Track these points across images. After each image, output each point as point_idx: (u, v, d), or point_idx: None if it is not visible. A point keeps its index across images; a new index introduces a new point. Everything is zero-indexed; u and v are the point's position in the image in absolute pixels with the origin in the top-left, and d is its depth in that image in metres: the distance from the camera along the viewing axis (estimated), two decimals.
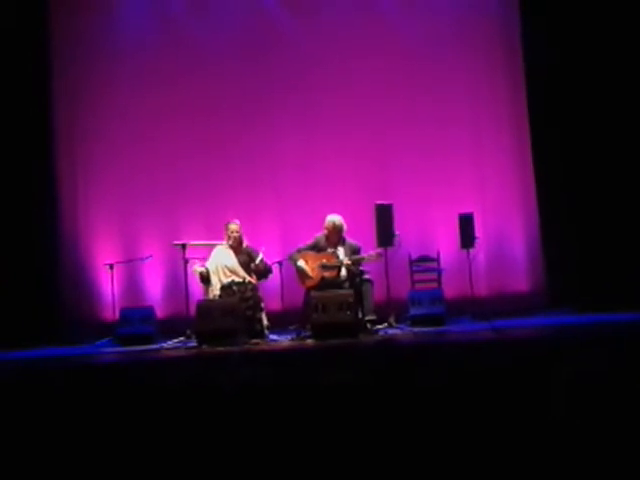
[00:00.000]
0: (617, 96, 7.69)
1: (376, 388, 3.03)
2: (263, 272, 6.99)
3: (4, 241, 8.20)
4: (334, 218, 6.97)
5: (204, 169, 8.49)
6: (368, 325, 6.68)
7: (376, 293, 6.92)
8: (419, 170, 8.37)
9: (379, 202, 7.18)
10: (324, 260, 6.88)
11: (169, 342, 6.94)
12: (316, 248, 6.97)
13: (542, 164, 8.05)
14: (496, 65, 8.47)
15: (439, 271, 7.78)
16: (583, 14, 7.79)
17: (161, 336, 7.28)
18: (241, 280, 6.87)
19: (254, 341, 6.54)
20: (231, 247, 7.04)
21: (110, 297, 8.02)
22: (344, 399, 2.87)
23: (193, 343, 6.68)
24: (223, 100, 8.57)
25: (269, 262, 7.12)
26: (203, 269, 6.93)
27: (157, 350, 6.79)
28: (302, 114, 8.53)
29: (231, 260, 6.97)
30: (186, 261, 7.15)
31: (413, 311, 7.13)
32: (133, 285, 8.44)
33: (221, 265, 6.94)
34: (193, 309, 6.77)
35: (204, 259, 7.11)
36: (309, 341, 6.50)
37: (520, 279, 8.23)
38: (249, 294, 6.76)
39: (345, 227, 6.99)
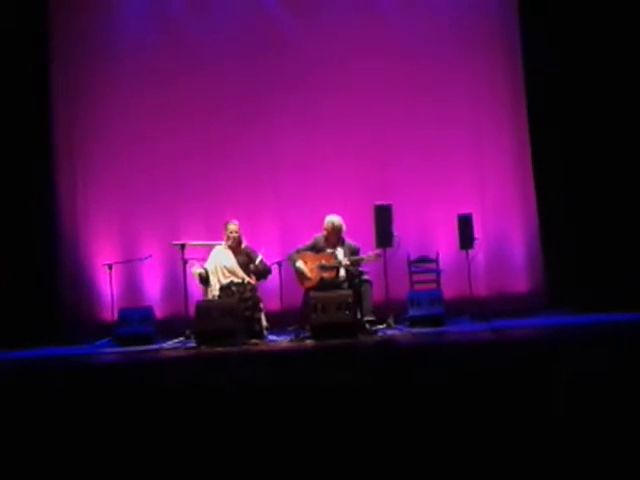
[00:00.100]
0: (617, 96, 7.70)
1: (375, 388, 3.03)
2: (262, 273, 7.00)
3: (3, 241, 8.19)
4: (333, 219, 6.98)
5: (204, 169, 8.49)
6: (367, 326, 6.69)
7: (375, 294, 6.93)
8: (418, 170, 8.36)
9: (378, 203, 7.18)
10: (323, 261, 6.88)
11: (168, 342, 6.94)
12: (315, 249, 6.97)
13: (541, 165, 8.05)
14: (496, 65, 8.46)
15: (438, 272, 7.78)
16: (583, 14, 7.79)
17: (160, 336, 7.27)
18: (240, 281, 6.87)
19: (253, 341, 6.55)
20: (230, 247, 7.04)
21: (109, 297, 8.01)
22: (343, 399, 2.87)
23: (192, 343, 6.69)
24: (223, 100, 8.56)
25: (268, 263, 7.13)
26: (202, 270, 6.93)
27: (156, 350, 6.80)
28: (302, 114, 8.52)
29: (230, 261, 6.97)
30: (185, 261, 7.16)
31: (412, 312, 7.13)
32: (132, 285, 8.43)
33: (220, 266, 6.94)
34: (192, 309, 6.78)
35: (203, 259, 7.11)
36: (308, 341, 6.51)
37: (519, 280, 8.22)
38: (248, 294, 6.77)
39: (344, 228, 7.00)
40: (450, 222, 7.63)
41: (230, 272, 6.93)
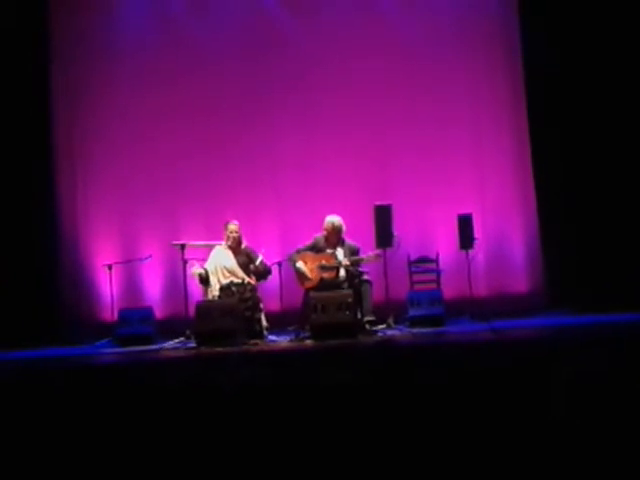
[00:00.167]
0: (617, 97, 7.69)
1: (375, 388, 3.03)
2: (263, 273, 7.00)
3: (3, 241, 8.19)
4: (333, 219, 6.98)
5: (204, 169, 8.48)
6: (367, 326, 6.69)
7: (375, 294, 6.93)
8: (418, 170, 8.36)
9: (378, 203, 7.18)
10: (323, 261, 6.88)
11: (168, 343, 6.94)
12: (315, 249, 6.98)
13: (541, 164, 8.04)
14: (496, 65, 8.45)
15: (438, 272, 7.77)
16: (583, 14, 7.78)
17: (160, 337, 7.27)
18: (240, 281, 6.87)
19: (253, 342, 6.54)
20: (230, 248, 7.04)
21: (109, 297, 8.00)
22: (343, 400, 2.87)
23: (192, 344, 6.69)
24: (223, 100, 8.56)
25: (268, 263, 7.13)
26: (202, 270, 6.93)
27: (156, 351, 6.80)
28: (302, 114, 8.52)
29: (230, 261, 6.97)
30: (185, 261, 7.16)
31: (412, 312, 7.12)
32: (132, 285, 8.42)
33: (220, 266, 6.94)
34: (192, 310, 6.78)
35: (203, 260, 7.11)
36: (308, 342, 6.51)
37: (519, 280, 8.21)
38: (248, 295, 6.77)
39: (344, 228, 7.00)
40: (450, 222, 7.63)
41: (230, 272, 6.93)
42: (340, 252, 6.92)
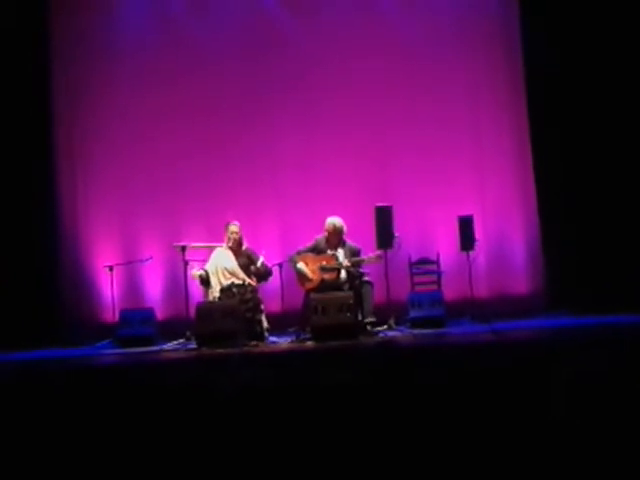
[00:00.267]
0: (617, 97, 7.69)
1: (376, 390, 3.03)
2: (263, 275, 7.00)
3: (4, 242, 8.18)
4: (334, 220, 6.98)
5: (204, 169, 8.47)
6: (368, 327, 6.71)
7: (376, 295, 6.94)
8: (419, 171, 8.35)
9: (379, 204, 7.18)
10: (324, 262, 6.88)
11: (169, 344, 6.95)
12: (316, 250, 6.98)
13: (542, 165, 8.04)
14: (496, 65, 8.45)
15: (439, 273, 7.77)
16: (583, 14, 7.78)
17: (161, 338, 7.27)
18: (241, 282, 6.87)
19: (254, 343, 6.55)
20: (231, 249, 7.04)
21: (110, 299, 8.00)
22: (344, 401, 2.87)
23: (193, 345, 6.69)
24: (223, 100, 8.55)
25: (269, 264, 7.12)
26: (202, 272, 6.93)
27: (157, 352, 6.80)
28: (302, 114, 8.51)
29: (230, 262, 6.97)
30: (186, 263, 7.15)
31: (413, 313, 7.12)
32: (133, 287, 8.41)
33: (221, 267, 6.94)
34: (193, 311, 6.78)
35: (204, 261, 7.11)
36: (309, 343, 6.51)
37: (520, 281, 8.21)
38: (249, 296, 6.76)
39: (345, 229, 7.00)
40: (451, 223, 7.63)
41: (231, 273, 6.93)
42: (341, 253, 6.92)
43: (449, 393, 2.87)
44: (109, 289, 7.98)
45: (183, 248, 7.18)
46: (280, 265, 7.48)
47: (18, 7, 8.38)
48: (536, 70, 8.03)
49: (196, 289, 7.26)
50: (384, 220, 7.08)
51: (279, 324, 7.24)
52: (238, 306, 6.62)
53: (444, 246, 8.01)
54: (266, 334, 6.84)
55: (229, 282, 6.86)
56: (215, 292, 6.88)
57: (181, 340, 6.94)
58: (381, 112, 8.39)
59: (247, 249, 7.11)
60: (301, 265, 6.90)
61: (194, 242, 7.40)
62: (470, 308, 7.37)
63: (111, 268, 7.92)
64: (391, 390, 3.02)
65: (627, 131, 7.69)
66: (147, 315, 7.62)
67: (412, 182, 8.31)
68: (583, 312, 6.88)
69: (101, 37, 8.69)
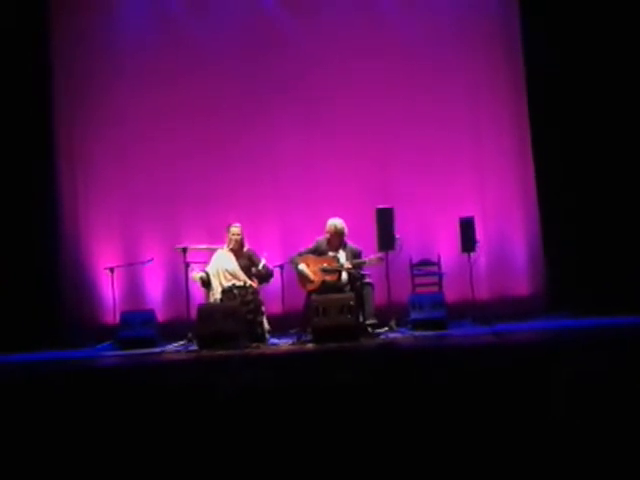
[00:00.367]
0: (618, 96, 7.69)
1: (377, 391, 3.02)
2: (265, 276, 7.00)
3: (4, 243, 8.18)
4: (335, 222, 6.98)
5: (204, 170, 8.47)
6: (369, 329, 6.70)
7: (377, 297, 6.93)
8: (419, 172, 8.35)
9: (380, 206, 7.17)
10: (325, 264, 6.88)
11: (170, 346, 6.94)
12: (317, 252, 6.97)
13: (543, 166, 8.04)
14: (496, 65, 8.45)
15: (440, 275, 7.77)
16: (583, 14, 7.78)
17: (162, 340, 7.28)
18: (242, 284, 6.86)
19: (255, 345, 6.54)
20: (232, 250, 7.03)
21: (111, 300, 7.98)
22: (345, 403, 2.87)
23: (194, 347, 6.68)
24: (223, 100, 8.55)
25: (270, 266, 7.11)
26: (202, 274, 6.92)
27: (158, 354, 6.78)
28: (302, 114, 8.51)
29: (232, 264, 6.96)
30: (187, 264, 7.13)
31: (414, 315, 7.11)
32: (134, 288, 8.41)
33: (222, 269, 6.93)
34: (194, 312, 6.77)
35: (204, 263, 7.10)
36: (310, 344, 6.50)
37: (521, 283, 8.21)
38: (250, 298, 6.76)
39: (346, 231, 7.00)
40: (452, 225, 7.62)
41: (232, 275, 6.92)
42: (342, 255, 6.92)
43: (450, 395, 2.87)
44: (110, 291, 7.97)
45: (184, 250, 7.17)
46: (281, 267, 7.48)
47: (18, 7, 8.38)
48: (536, 70, 8.03)
49: (197, 291, 7.25)
50: (385, 222, 7.07)
51: (280, 326, 7.24)
52: (239, 308, 6.61)
53: (445, 248, 8.00)
54: (267, 336, 6.84)
55: (230, 284, 6.85)
56: (216, 294, 6.87)
57: (182, 342, 6.93)
58: (381, 112, 8.38)
59: (248, 250, 7.10)
60: (302, 266, 6.89)
61: (195, 244, 7.39)
62: (471, 310, 7.36)
63: (112, 270, 7.91)
64: (392, 392, 3.02)
65: (628, 131, 7.68)
66: (148, 317, 7.61)
67: (412, 182, 8.30)
68: (584, 313, 6.88)
69: (101, 37, 8.69)
